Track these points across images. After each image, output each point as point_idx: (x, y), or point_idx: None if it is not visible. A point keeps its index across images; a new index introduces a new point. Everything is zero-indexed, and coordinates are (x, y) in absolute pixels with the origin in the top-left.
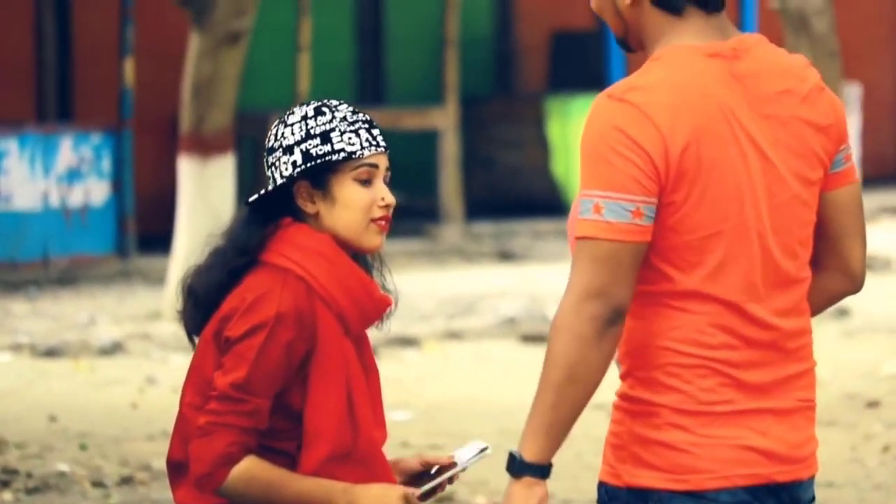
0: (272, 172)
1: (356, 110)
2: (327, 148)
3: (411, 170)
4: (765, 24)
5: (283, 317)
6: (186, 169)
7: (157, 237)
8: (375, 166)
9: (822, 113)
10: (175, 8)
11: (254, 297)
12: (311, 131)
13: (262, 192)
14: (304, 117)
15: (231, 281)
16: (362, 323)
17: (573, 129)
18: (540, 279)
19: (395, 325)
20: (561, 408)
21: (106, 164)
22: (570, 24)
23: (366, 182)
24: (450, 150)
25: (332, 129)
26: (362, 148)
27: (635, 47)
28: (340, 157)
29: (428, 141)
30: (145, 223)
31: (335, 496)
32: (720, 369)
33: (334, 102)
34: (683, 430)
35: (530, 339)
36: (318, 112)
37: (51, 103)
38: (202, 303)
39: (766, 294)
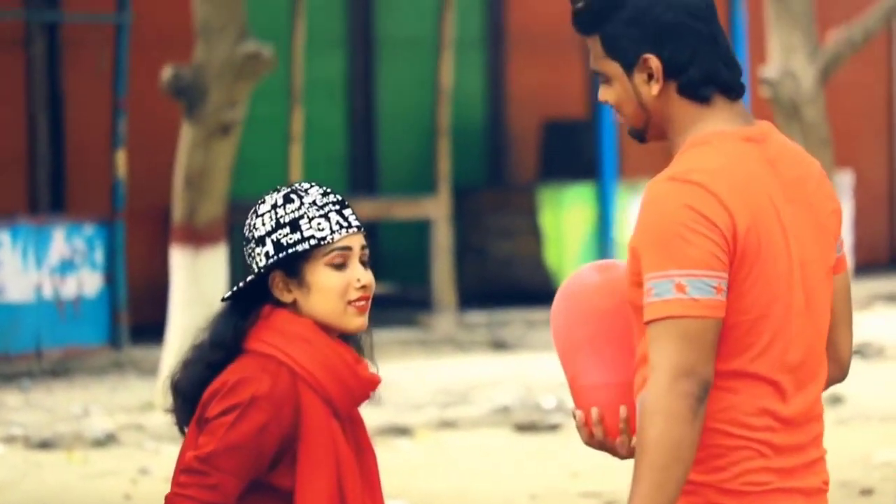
0: (251, 263)
1: (327, 192)
2: (297, 236)
3: (404, 259)
4: (756, 113)
5: (258, 399)
6: (178, 259)
7: (150, 328)
8: (348, 249)
9: (829, 198)
10: (167, 99)
11: (234, 381)
12: (281, 220)
13: (236, 287)
14: (274, 206)
15: (212, 375)
16: (350, 404)
17: (565, 219)
18: (533, 368)
19: (388, 414)
20: (667, 488)
21: (98, 255)
22: (562, 113)
23: (340, 266)
24: (442, 240)
25: (301, 217)
26: (332, 232)
27: (653, 137)
28: (309, 246)
29: (420, 231)
30: (138, 314)
31: None
32: (760, 450)
33: (305, 186)
34: None
35: (524, 428)
36: (287, 199)
37: (43, 195)
38: (189, 398)
39: (803, 377)
